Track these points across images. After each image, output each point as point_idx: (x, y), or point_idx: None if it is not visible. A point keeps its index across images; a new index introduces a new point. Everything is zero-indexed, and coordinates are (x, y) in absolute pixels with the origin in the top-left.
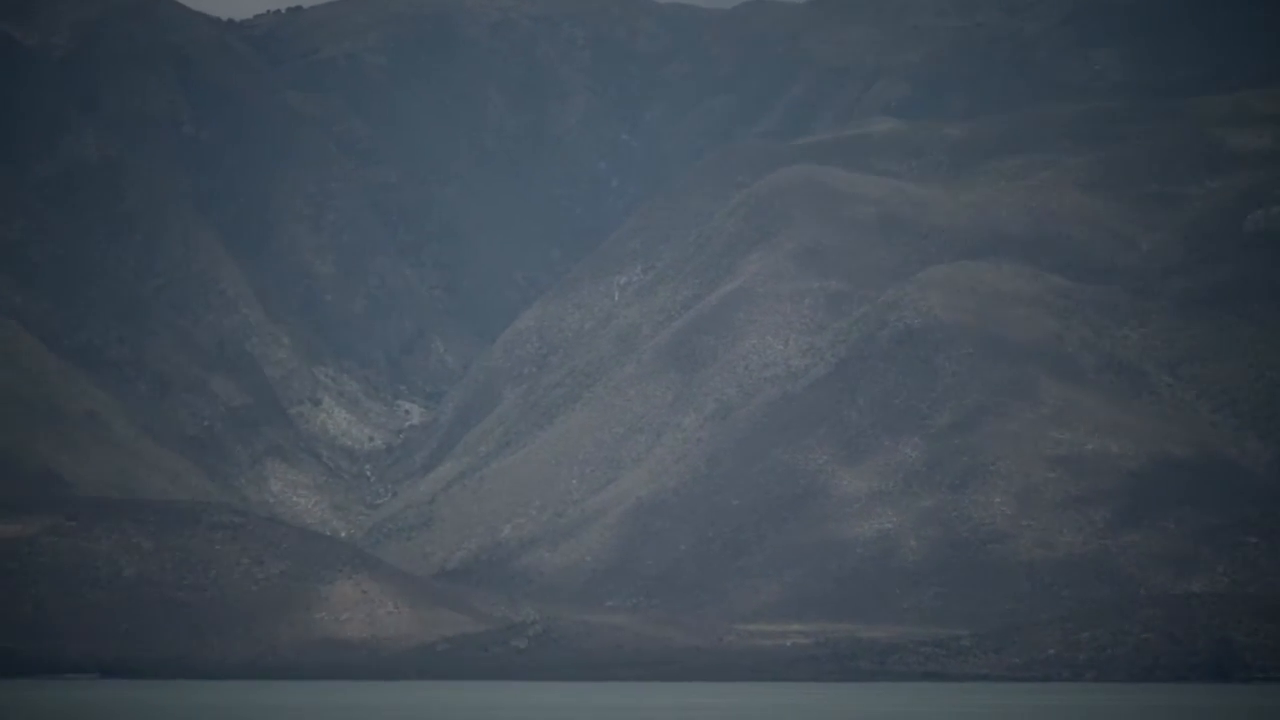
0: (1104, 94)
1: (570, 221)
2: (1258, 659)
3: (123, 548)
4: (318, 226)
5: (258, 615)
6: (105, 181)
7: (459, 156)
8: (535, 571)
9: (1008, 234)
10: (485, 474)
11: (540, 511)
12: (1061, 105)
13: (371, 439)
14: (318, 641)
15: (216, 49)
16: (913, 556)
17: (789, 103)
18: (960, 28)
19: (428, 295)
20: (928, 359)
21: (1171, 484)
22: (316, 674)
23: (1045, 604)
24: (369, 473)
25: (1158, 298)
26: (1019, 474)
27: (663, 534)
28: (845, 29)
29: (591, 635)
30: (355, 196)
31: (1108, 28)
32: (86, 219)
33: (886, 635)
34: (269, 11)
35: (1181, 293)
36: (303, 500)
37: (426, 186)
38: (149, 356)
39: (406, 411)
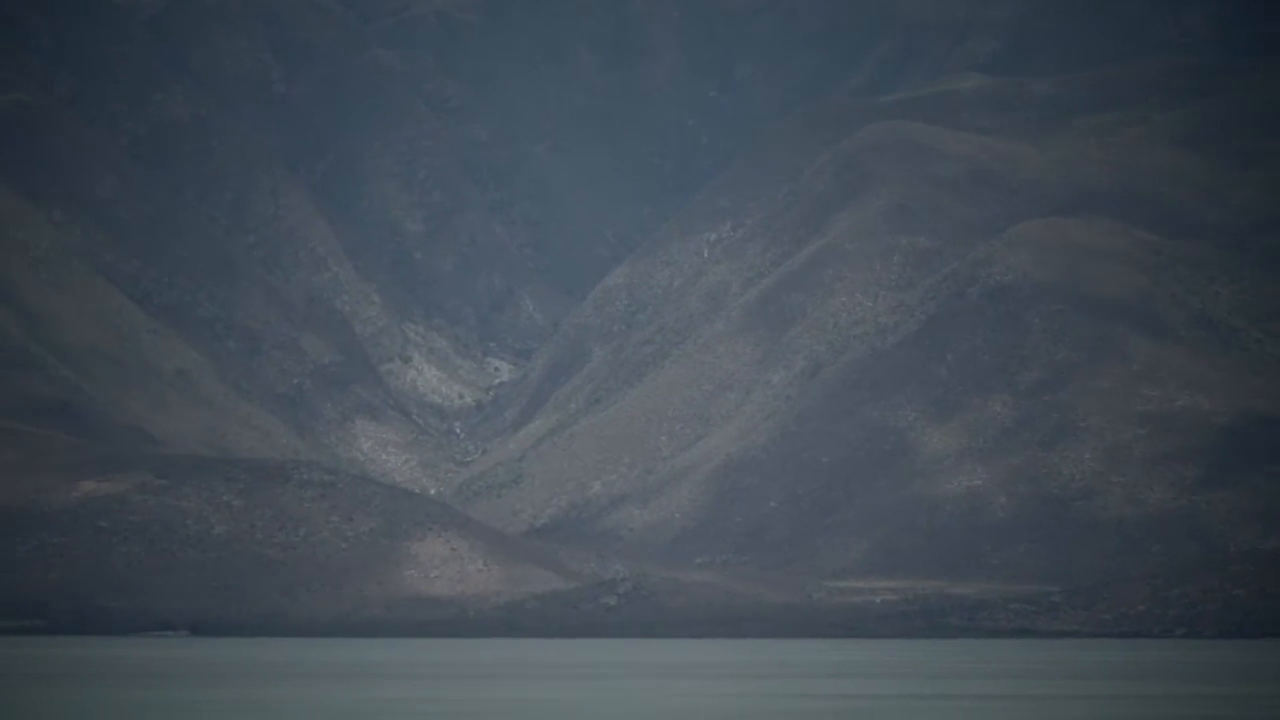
0: (1192, 50)
1: (660, 178)
2: None
3: (213, 505)
4: (408, 184)
5: (347, 573)
6: (195, 140)
7: (549, 113)
8: (624, 528)
9: (1097, 190)
10: (574, 431)
11: (630, 468)
12: (1150, 61)
13: (461, 396)
14: (406, 599)
15: (306, 6)
16: (1002, 513)
17: (878, 59)
18: None
19: (517, 252)
20: (1017, 316)
21: (1260, 439)
22: (405, 631)
23: (1135, 560)
24: (458, 430)
25: (1247, 253)
26: (1108, 430)
27: (752, 491)
28: None
29: (681, 592)
30: (445, 154)
31: None
32: (177, 177)
33: (976, 592)
34: None
35: (1271, 248)
36: (392, 458)
37: (516, 144)
38: (239, 314)
39: (496, 369)
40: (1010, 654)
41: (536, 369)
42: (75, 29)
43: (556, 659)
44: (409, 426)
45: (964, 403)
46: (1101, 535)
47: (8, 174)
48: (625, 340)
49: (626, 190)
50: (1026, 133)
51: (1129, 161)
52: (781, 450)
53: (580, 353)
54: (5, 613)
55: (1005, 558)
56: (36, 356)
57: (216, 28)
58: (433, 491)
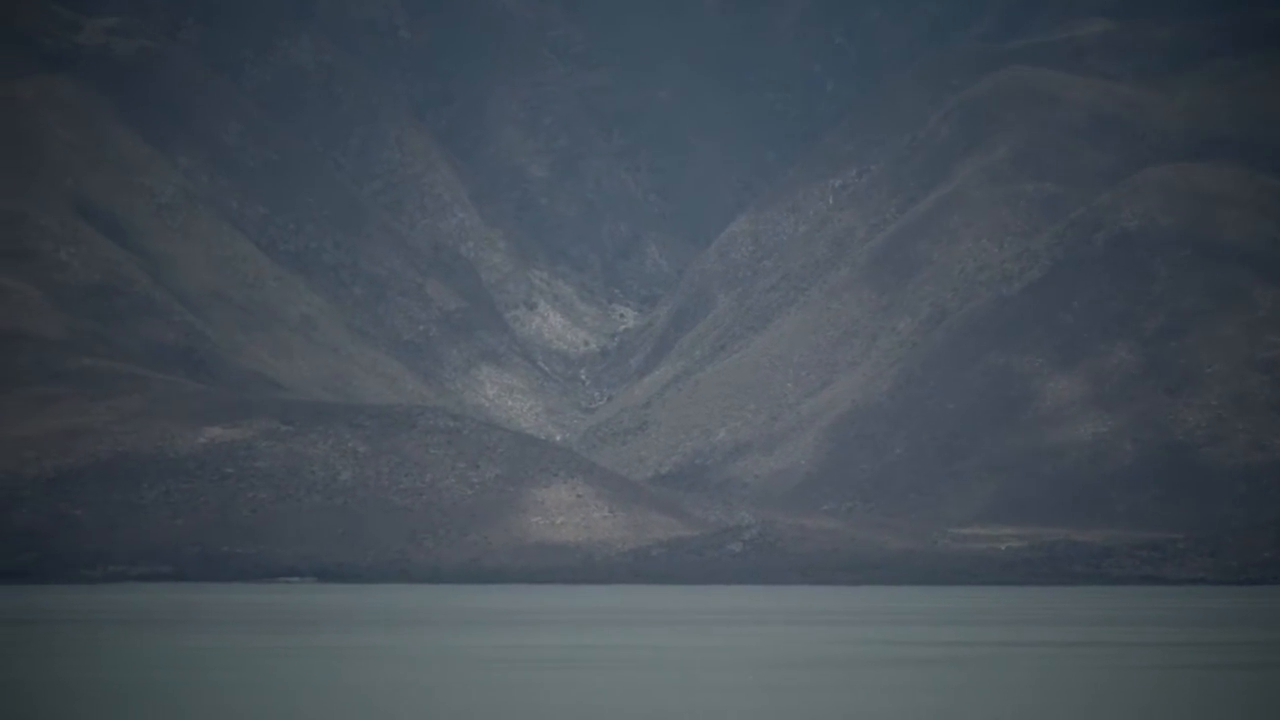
0: None
1: (784, 125)
2: None
3: (338, 452)
4: (533, 130)
5: (472, 519)
6: (321, 86)
7: (674, 59)
8: (749, 475)
9: (1222, 136)
10: (700, 378)
11: (755, 415)
12: (1275, 6)
13: (586, 343)
14: (532, 546)
15: None
16: (1127, 460)
17: (1003, 5)
18: None
19: (642, 199)
20: (1142, 262)
21: None
22: (530, 578)
23: (1260, 507)
24: (584, 377)
25: None
26: (1233, 377)
27: (877, 438)
28: None
29: (806, 539)
30: (570, 100)
31: None
32: (302, 124)
33: (1101, 539)
34: None
35: None
36: (517, 404)
37: (642, 89)
38: (364, 261)
39: (621, 315)
40: (1135, 601)
41: (661, 316)
42: None
43: (681, 605)
44: (534, 373)
45: (1088, 349)
46: (1226, 482)
47: (134, 121)
48: (750, 287)
49: (751, 136)
50: (1152, 78)
51: (1255, 106)
52: (906, 397)
53: (705, 299)
54: (132, 559)
55: (1130, 505)
56: (162, 303)
57: None
58: (558, 438)
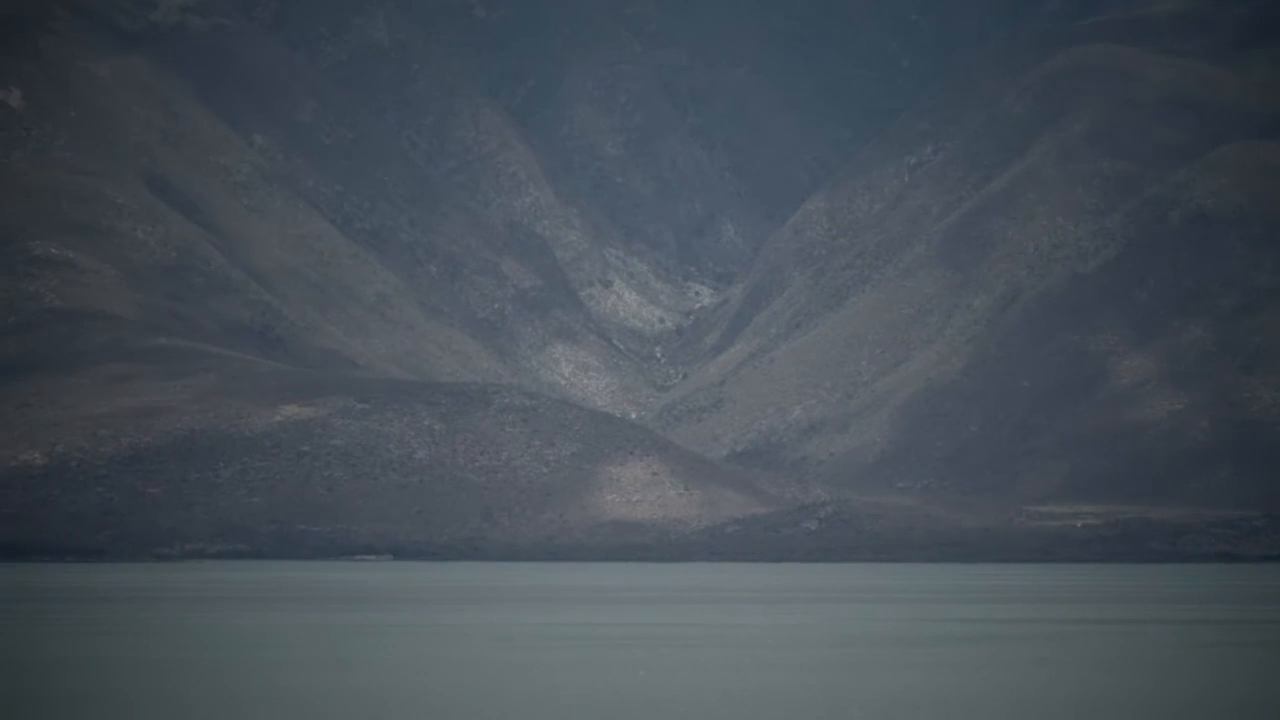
0: None
1: (860, 102)
2: None
3: (414, 430)
4: (608, 108)
5: (548, 497)
6: (396, 65)
7: (749, 36)
8: (824, 453)
9: None
10: (775, 356)
11: (830, 393)
12: None
13: (661, 321)
14: (607, 524)
15: None
16: (1202, 438)
17: None
18: None
19: (718, 177)
20: (1217, 240)
21: None
22: (606, 555)
23: None
24: (659, 355)
25: None
26: None
27: (952, 416)
28: None
29: (882, 517)
30: (645, 77)
31: None
32: (378, 102)
33: (1177, 516)
34: None
35: None
36: (592, 382)
37: (716, 67)
38: (440, 239)
39: (696, 293)
40: (1210, 578)
41: (736, 293)
42: None
43: (755, 583)
44: (609, 351)
45: (1163, 327)
46: None
47: (209, 99)
48: (825, 265)
49: (826, 114)
50: (1226, 55)
51: None
52: (981, 375)
53: (780, 277)
54: (208, 537)
55: (1206, 482)
56: (237, 281)
57: None
58: (633, 416)
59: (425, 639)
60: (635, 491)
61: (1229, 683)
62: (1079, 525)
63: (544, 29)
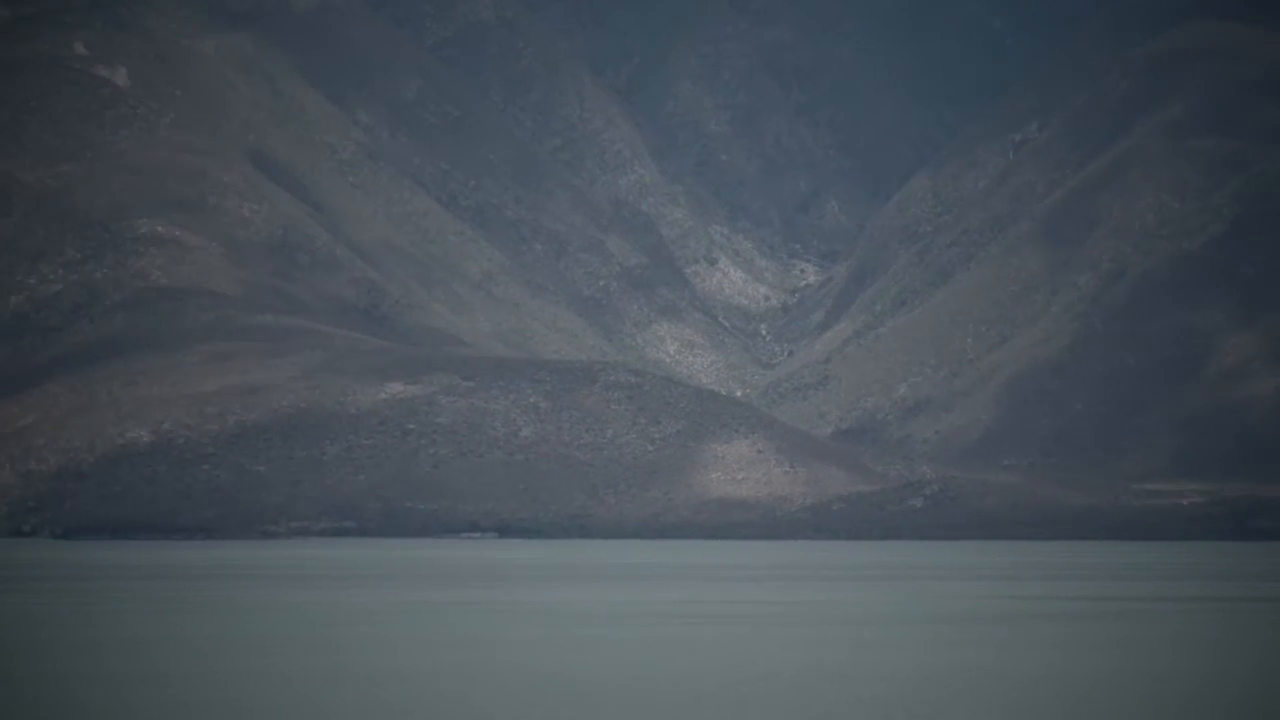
0: None
1: (964, 79)
2: None
3: (519, 407)
4: (713, 85)
5: (653, 475)
6: (501, 42)
7: (853, 14)
8: (929, 431)
9: None
10: (880, 333)
11: (934, 371)
12: None
13: (766, 298)
14: (712, 501)
15: None
16: None
17: None
18: None
19: (822, 154)
20: None
21: None
22: (711, 533)
23: None
24: (764, 332)
25: None
26: None
27: (1057, 393)
28: None
29: (987, 495)
30: (750, 55)
31: None
32: (483, 80)
33: None
34: None
35: None
36: (698, 360)
37: (821, 44)
38: (545, 217)
39: (801, 271)
40: None
41: (841, 271)
42: None
43: (860, 560)
44: (714, 328)
45: (1270, 304)
46: None
47: (314, 77)
48: (930, 242)
49: (930, 91)
50: None
51: None
52: (1086, 353)
53: (885, 254)
54: (315, 515)
55: None
56: (343, 259)
57: None
58: (738, 394)
59: (533, 616)
60: (740, 469)
61: None
62: (1185, 503)
63: (649, 6)
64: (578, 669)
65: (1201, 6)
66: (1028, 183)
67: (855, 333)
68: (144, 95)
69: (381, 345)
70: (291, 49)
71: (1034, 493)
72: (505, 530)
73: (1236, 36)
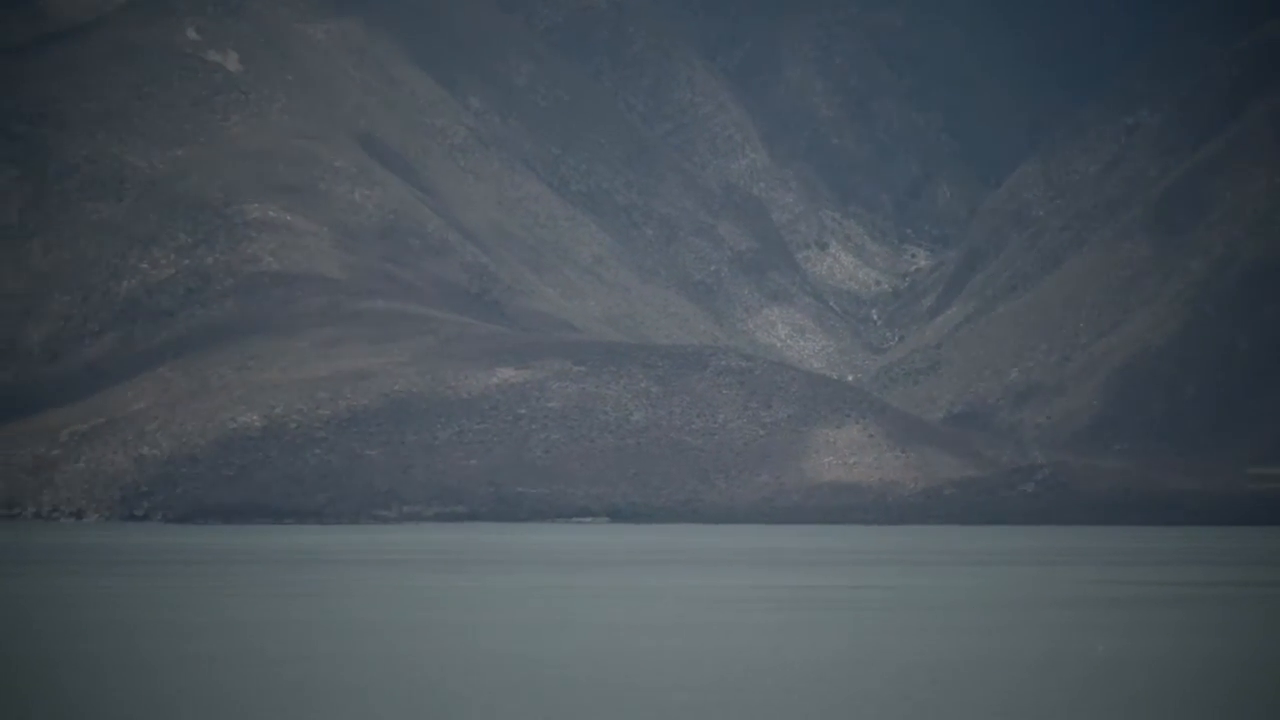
0: None
1: (1075, 63)
2: None
3: (630, 392)
4: (824, 70)
5: (764, 459)
6: (613, 27)
7: None
8: (1041, 415)
9: None
10: (992, 318)
11: (1046, 356)
12: None
13: (878, 283)
14: (824, 486)
15: None
16: None
17: None
18: None
19: (933, 138)
20: None
21: None
22: (822, 518)
23: None
24: (875, 317)
25: None
26: None
27: (1169, 378)
28: None
29: (1099, 479)
30: (861, 39)
31: None
32: (594, 64)
33: None
34: None
35: None
36: (809, 344)
37: (931, 29)
38: (655, 201)
39: (912, 255)
40: None
41: (953, 255)
42: None
43: (971, 546)
44: (825, 313)
45: None
46: None
47: (425, 62)
48: (1043, 226)
49: (1041, 74)
50: None
51: None
52: (1198, 338)
53: (996, 239)
54: (425, 499)
55: None
56: (453, 244)
57: None
58: (849, 378)
59: (646, 601)
60: (852, 454)
61: None
62: None
63: None
64: (702, 653)
65: None
66: (1139, 167)
67: (966, 317)
68: (255, 80)
69: (492, 330)
70: (402, 33)
71: (1146, 478)
72: (616, 515)
73: None
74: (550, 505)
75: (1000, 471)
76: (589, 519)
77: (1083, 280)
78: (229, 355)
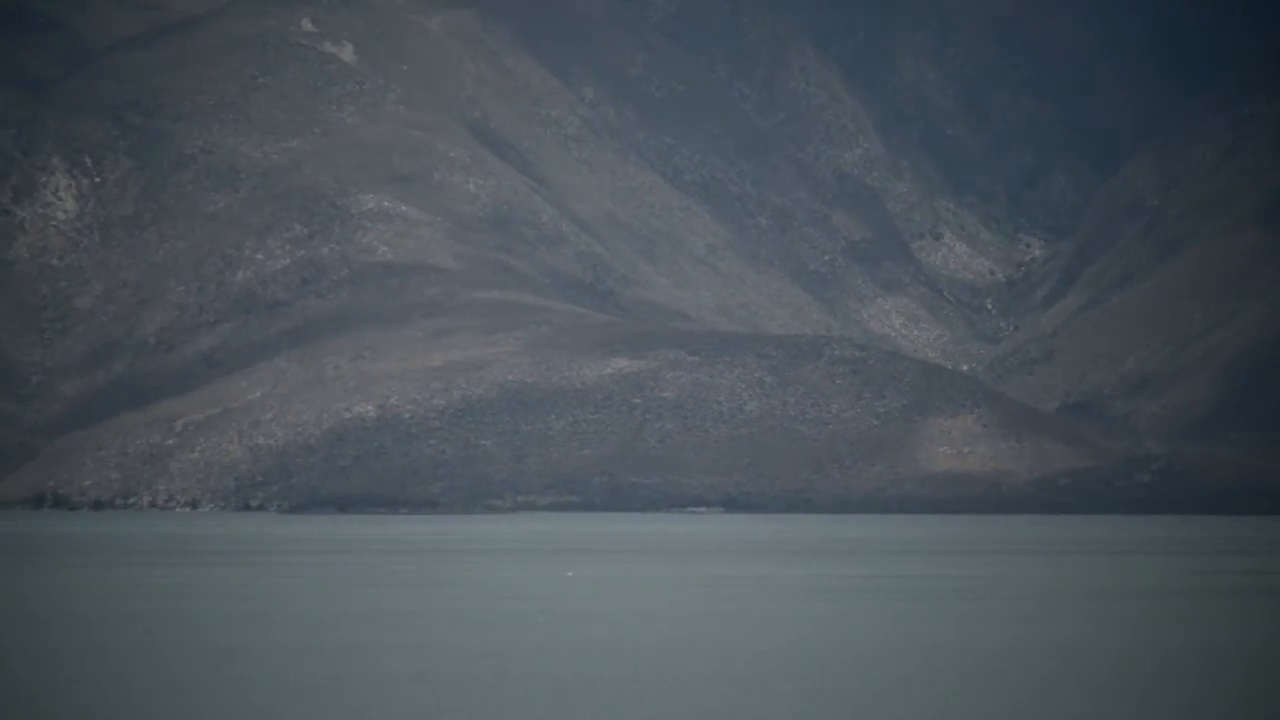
0: None
1: (1189, 53)
2: None
3: (745, 382)
4: (938, 60)
5: (878, 449)
6: (727, 17)
7: None
8: (1155, 405)
9: None
10: (1106, 308)
11: (1162, 345)
12: None
13: (992, 273)
14: (938, 475)
15: None
16: None
17: None
18: None
19: (1048, 128)
20: None
21: None
22: (936, 508)
23: None
24: (989, 307)
25: None
26: None
27: None
28: None
29: (1215, 469)
30: (975, 30)
31: None
32: (707, 55)
33: None
34: None
35: None
36: (923, 334)
37: (1046, 19)
38: (769, 191)
39: (1027, 245)
40: None
41: (1067, 245)
42: None
43: (1090, 536)
44: (939, 302)
45: None
46: None
47: (539, 52)
48: (1158, 215)
49: (1156, 64)
50: None
51: None
52: None
53: (1111, 229)
54: (539, 489)
55: None
56: (567, 234)
57: None
58: (964, 368)
59: (761, 590)
60: (965, 444)
61: None
62: None
63: None
64: (815, 645)
65: None
66: (1254, 157)
67: (1080, 307)
68: (370, 71)
69: (605, 320)
70: (516, 23)
71: (1263, 468)
72: (730, 505)
73: None
74: (664, 495)
75: (1115, 461)
76: (703, 509)
77: (1197, 270)
78: (343, 345)
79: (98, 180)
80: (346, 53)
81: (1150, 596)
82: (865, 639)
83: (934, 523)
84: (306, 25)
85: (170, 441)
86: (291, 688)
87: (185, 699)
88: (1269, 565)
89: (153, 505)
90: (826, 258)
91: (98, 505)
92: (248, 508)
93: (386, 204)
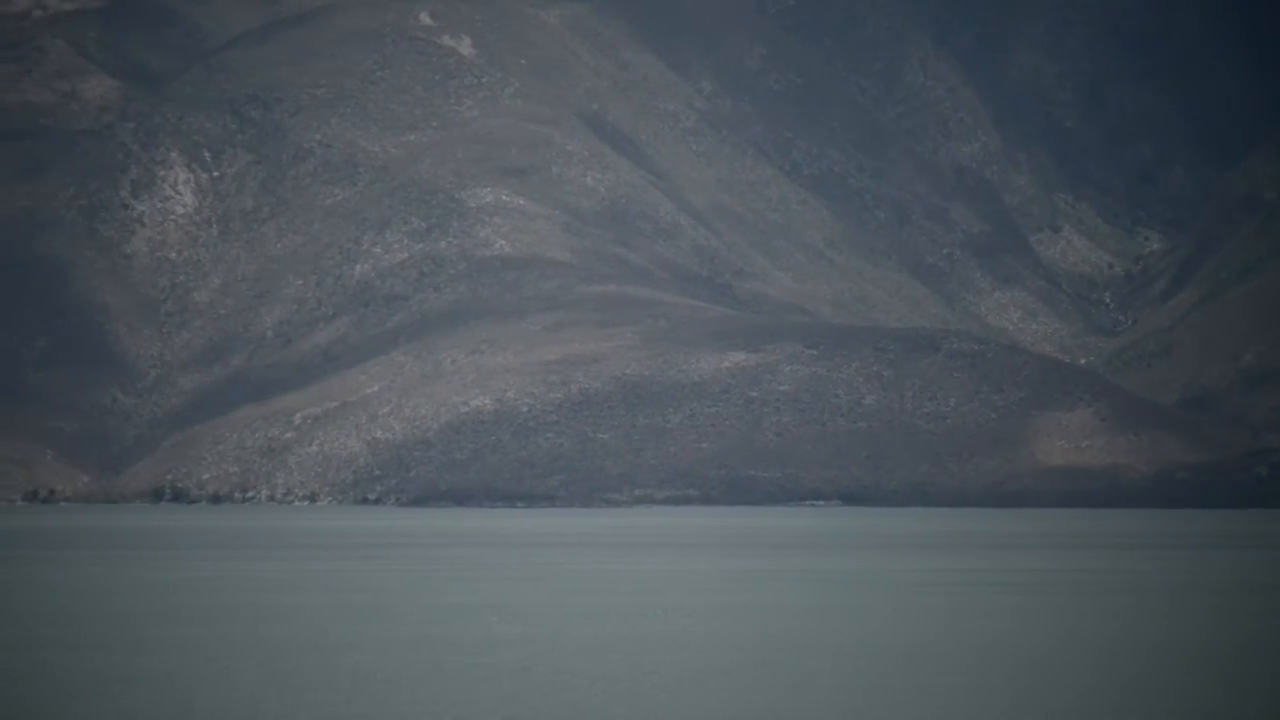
0: None
1: None
2: None
3: (863, 375)
4: (1056, 53)
5: (997, 443)
6: (844, 10)
7: None
8: (1274, 399)
9: None
10: (1224, 302)
11: None
12: None
13: (1110, 266)
14: (1056, 469)
15: None
16: None
17: None
18: None
19: (1167, 121)
20: None
21: None
22: (1055, 501)
23: None
24: (1108, 300)
25: None
26: None
27: None
28: None
29: None
30: (1094, 23)
31: None
32: (826, 48)
33: None
34: None
35: None
36: (1041, 327)
37: (1165, 10)
38: (887, 185)
39: (1145, 239)
40: None
41: (1186, 239)
42: None
43: (1208, 529)
44: (1057, 296)
45: None
46: None
47: (656, 45)
48: (1276, 210)
49: (1275, 57)
50: None
51: None
52: None
53: (1230, 223)
54: (657, 482)
55: None
56: (683, 227)
57: None
58: (1082, 361)
59: (874, 585)
60: (1083, 437)
61: None
62: None
63: None
64: (939, 640)
65: None
66: None
67: (1199, 301)
68: (488, 64)
69: (723, 313)
70: (633, 17)
71: None
72: (848, 498)
73: None
74: (782, 488)
75: (1233, 455)
76: (821, 502)
77: None
78: (460, 339)
79: (216, 174)
80: (464, 46)
81: (1275, 590)
82: (1013, 631)
83: (1051, 517)
84: (425, 19)
85: (288, 435)
86: (392, 682)
87: (294, 695)
88: None
89: (271, 499)
90: (944, 251)
91: (216, 499)
92: (365, 501)
93: (504, 198)
